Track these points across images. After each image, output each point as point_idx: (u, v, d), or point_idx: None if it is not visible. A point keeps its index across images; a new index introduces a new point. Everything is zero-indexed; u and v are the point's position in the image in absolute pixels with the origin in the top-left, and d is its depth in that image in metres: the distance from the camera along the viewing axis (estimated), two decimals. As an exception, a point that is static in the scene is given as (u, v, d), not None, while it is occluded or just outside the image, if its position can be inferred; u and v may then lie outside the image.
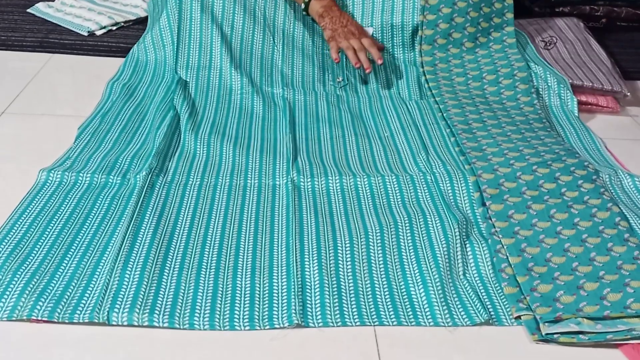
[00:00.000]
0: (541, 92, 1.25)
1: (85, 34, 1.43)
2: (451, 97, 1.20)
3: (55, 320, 0.69)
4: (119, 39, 1.43)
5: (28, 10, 1.54)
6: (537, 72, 1.28)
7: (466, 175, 0.96)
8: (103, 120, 1.10)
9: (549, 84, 1.26)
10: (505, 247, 0.83)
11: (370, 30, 1.34)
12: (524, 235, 0.84)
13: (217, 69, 1.26)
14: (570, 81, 1.27)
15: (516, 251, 0.82)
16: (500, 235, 0.84)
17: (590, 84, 1.28)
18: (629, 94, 1.29)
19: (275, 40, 1.31)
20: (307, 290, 0.75)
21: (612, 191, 0.96)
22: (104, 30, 1.46)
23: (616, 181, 0.98)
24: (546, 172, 0.95)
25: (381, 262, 0.80)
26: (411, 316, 0.73)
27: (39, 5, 1.55)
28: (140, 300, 0.71)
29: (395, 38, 1.33)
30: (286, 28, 1.33)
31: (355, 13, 1.36)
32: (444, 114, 1.14)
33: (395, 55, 1.34)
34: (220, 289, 0.75)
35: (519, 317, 0.74)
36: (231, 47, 1.28)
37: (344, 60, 1.32)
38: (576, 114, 1.21)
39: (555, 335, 0.71)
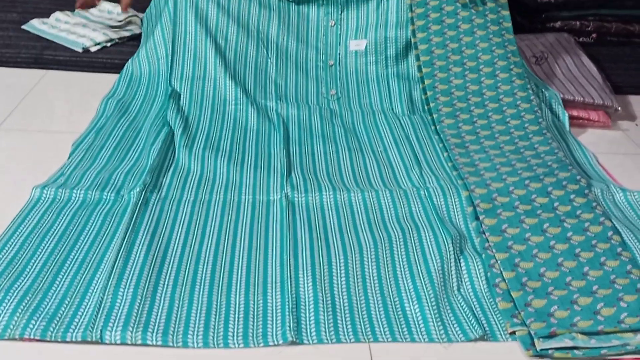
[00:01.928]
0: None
1: (80, 50, 1.44)
2: (446, 102, 1.18)
3: (48, 339, 0.68)
4: (114, 55, 1.43)
5: (22, 27, 1.55)
6: (528, 87, 1.29)
7: (459, 191, 0.96)
8: (97, 136, 1.10)
9: (541, 99, 1.27)
10: (499, 261, 0.83)
11: (363, 43, 1.35)
12: (518, 250, 0.84)
13: (212, 79, 1.26)
14: (562, 96, 1.28)
15: (510, 266, 0.82)
16: (494, 250, 0.85)
17: (582, 99, 1.29)
18: (619, 108, 1.30)
19: (269, 53, 1.32)
20: (302, 306, 0.75)
21: (604, 205, 0.97)
22: (98, 47, 1.47)
23: (608, 195, 0.99)
24: (538, 186, 0.95)
25: (375, 278, 0.80)
26: (406, 332, 0.73)
27: (34, 22, 1.56)
28: (134, 317, 0.71)
29: (388, 50, 1.34)
30: (279, 42, 1.34)
31: (350, 27, 1.37)
32: (437, 127, 1.14)
33: (389, 68, 1.35)
34: (215, 305, 0.75)
35: (513, 333, 0.74)
36: (225, 58, 1.28)
37: (337, 72, 1.33)
38: (568, 129, 1.22)
39: (549, 351, 0.71)
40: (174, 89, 1.24)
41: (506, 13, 1.31)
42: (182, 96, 1.23)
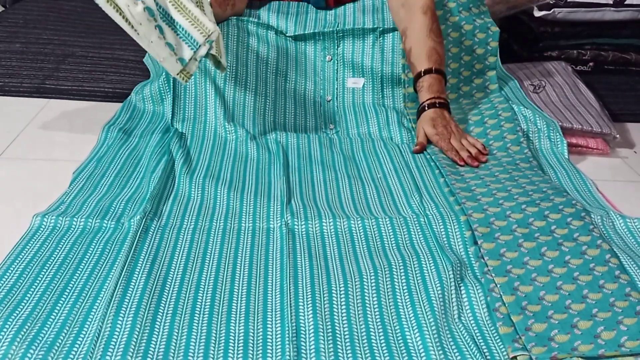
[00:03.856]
0: (531, 136, 1.26)
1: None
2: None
3: (46, 369, 0.68)
4: (115, 85, 1.45)
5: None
6: (526, 115, 1.30)
7: (459, 218, 0.96)
8: (98, 164, 1.10)
9: (539, 127, 1.28)
10: (498, 285, 0.83)
11: (361, 82, 1.36)
12: (517, 274, 0.84)
13: (212, 123, 1.26)
14: (560, 124, 1.29)
15: (509, 290, 0.82)
16: (493, 274, 0.85)
17: (580, 127, 1.30)
18: (618, 135, 1.31)
19: (268, 90, 1.32)
20: (302, 335, 0.75)
21: (605, 232, 0.97)
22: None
23: (608, 222, 0.99)
24: (535, 210, 0.95)
25: (376, 306, 0.80)
26: (406, 361, 0.72)
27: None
28: (133, 347, 0.70)
29: (385, 86, 1.36)
30: (278, 78, 1.34)
31: (346, 62, 1.37)
32: (433, 157, 1.15)
33: (386, 102, 1.36)
34: (214, 334, 0.74)
35: (515, 358, 0.73)
36: (225, 100, 1.28)
37: (335, 108, 1.34)
38: (566, 156, 1.22)
39: (551, 377, 0.71)
40: (175, 129, 1.25)
41: (492, 74, 1.36)
42: (183, 135, 1.23)
